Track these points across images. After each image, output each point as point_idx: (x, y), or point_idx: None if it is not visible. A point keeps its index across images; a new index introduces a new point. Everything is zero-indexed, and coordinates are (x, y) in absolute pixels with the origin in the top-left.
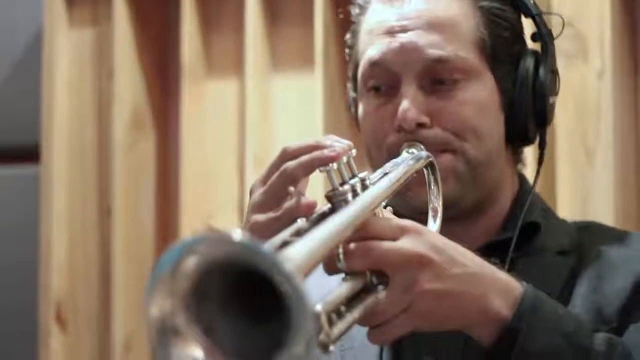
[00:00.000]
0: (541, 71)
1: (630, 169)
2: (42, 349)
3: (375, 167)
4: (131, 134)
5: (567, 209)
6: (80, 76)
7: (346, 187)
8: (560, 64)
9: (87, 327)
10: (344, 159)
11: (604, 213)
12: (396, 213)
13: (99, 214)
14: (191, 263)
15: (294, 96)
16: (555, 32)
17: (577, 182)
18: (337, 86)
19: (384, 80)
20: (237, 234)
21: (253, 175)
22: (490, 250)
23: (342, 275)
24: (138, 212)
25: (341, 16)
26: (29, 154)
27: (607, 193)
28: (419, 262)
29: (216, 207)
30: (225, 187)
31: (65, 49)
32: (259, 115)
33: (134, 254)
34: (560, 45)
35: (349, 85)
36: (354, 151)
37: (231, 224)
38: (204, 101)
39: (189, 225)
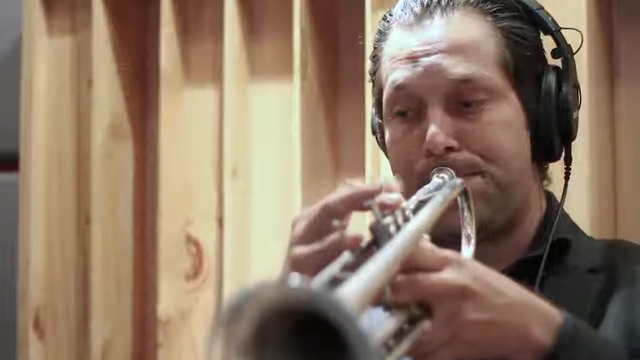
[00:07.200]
0: (564, 87)
1: (608, 161)
2: (21, 356)
3: (404, 193)
4: (110, 142)
5: None
6: (59, 84)
7: (388, 219)
8: None
9: (66, 334)
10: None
11: (580, 209)
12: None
13: (78, 221)
14: (250, 308)
15: (272, 104)
16: (574, 46)
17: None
18: (315, 95)
19: (410, 105)
20: (296, 280)
21: (231, 183)
22: (520, 269)
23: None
24: (117, 220)
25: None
26: (8, 161)
27: (582, 186)
28: (462, 294)
29: (195, 215)
30: (203, 195)
31: (44, 57)
32: (237, 123)
33: (113, 262)
34: None
35: (373, 110)
36: (394, 184)
37: (209, 231)
38: (182, 109)
39: (168, 233)
